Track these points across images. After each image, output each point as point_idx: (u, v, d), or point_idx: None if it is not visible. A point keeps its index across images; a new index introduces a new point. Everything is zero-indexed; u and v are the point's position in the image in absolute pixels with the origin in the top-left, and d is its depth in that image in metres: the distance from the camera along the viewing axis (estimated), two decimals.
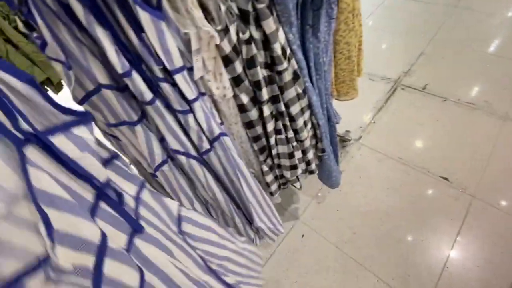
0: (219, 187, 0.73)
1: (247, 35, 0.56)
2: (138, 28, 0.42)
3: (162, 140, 0.60)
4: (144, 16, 0.40)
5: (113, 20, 0.40)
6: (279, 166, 0.88)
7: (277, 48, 0.62)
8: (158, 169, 0.62)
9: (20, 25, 0.44)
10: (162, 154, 0.58)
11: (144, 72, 0.46)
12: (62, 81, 0.99)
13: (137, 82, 0.45)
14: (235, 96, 0.66)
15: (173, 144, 0.58)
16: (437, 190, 1.33)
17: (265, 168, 0.85)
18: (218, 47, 0.55)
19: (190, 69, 0.53)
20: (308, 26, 0.72)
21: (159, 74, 0.47)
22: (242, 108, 0.68)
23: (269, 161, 0.86)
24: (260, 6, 0.55)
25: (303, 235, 1.31)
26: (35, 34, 0.44)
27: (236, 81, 0.63)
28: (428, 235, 1.21)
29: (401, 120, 1.64)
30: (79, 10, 0.36)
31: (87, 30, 0.39)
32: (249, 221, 0.88)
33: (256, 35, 0.60)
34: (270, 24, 0.58)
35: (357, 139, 1.60)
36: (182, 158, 0.61)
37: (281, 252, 1.28)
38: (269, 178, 0.89)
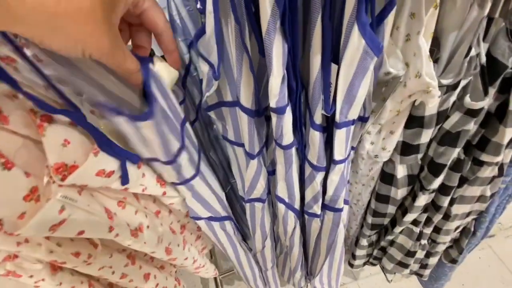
0: (301, 243, 0.58)
1: (482, 103, 0.33)
2: (332, 55, 0.25)
3: (270, 173, 0.46)
4: (356, 42, 0.22)
5: (301, 34, 0.25)
6: (383, 250, 0.65)
7: (508, 135, 0.37)
8: (250, 202, 0.50)
9: None
10: (262, 193, 0.45)
11: (297, 109, 0.30)
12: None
13: (286, 122, 0.30)
14: (388, 162, 0.45)
15: (282, 193, 0.43)
16: None
17: (364, 242, 0.64)
18: (414, 102, 0.34)
19: (360, 120, 0.34)
20: None
21: (318, 120, 0.31)
22: (388, 180, 0.47)
23: (373, 237, 0.64)
24: None
25: None
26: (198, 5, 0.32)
27: (406, 149, 0.41)
28: None
29: None
30: (265, 7, 0.21)
31: (258, 35, 0.24)
32: (307, 273, 0.73)
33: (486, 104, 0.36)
34: None
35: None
36: (282, 207, 0.46)
37: None
38: (360, 252, 0.68)
